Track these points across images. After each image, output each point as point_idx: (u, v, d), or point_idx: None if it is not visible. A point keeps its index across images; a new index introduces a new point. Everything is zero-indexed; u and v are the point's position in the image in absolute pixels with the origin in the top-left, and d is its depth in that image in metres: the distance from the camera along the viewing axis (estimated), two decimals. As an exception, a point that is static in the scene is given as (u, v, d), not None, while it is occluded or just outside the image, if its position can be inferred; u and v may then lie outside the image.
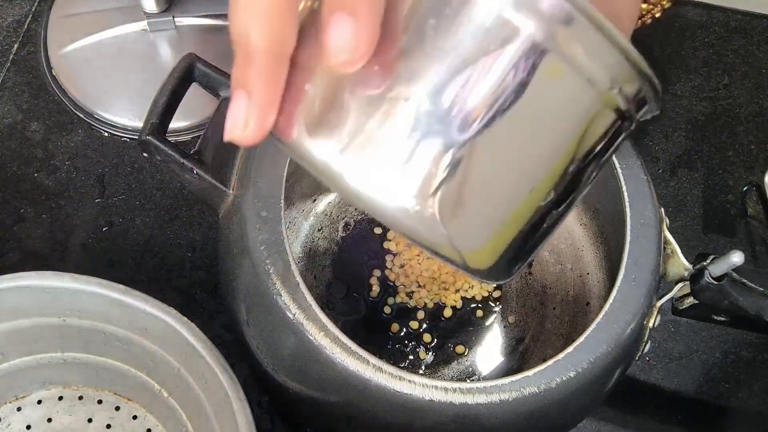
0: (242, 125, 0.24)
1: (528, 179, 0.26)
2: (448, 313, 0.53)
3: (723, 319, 0.45)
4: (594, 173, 0.28)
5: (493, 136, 0.24)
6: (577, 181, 0.27)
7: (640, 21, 0.66)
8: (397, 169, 0.25)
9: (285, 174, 0.42)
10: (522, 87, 0.24)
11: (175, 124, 0.45)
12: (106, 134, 0.61)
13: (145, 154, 0.44)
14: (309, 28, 0.25)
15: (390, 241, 0.54)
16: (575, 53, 0.24)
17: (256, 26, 0.23)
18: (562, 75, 0.24)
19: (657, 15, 0.67)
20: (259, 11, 0.23)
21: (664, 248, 0.44)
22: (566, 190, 0.27)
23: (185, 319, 0.43)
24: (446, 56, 0.24)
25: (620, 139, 0.27)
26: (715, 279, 0.42)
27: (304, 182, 0.54)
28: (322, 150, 0.25)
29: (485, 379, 0.51)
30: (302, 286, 0.40)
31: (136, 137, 0.60)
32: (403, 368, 0.39)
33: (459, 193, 0.25)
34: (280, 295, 0.39)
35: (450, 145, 0.24)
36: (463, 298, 0.53)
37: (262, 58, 0.24)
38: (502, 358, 0.52)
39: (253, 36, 0.23)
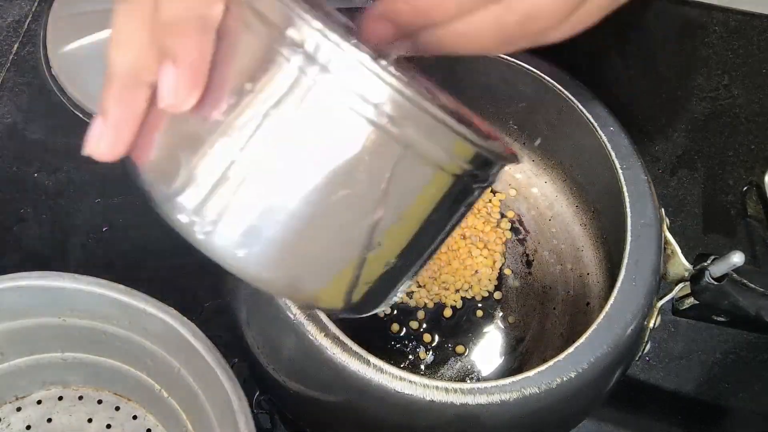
0: (95, 143, 0.26)
1: (363, 235, 0.26)
2: (448, 313, 0.53)
3: (723, 319, 0.45)
4: (444, 232, 0.28)
5: (316, 201, 0.25)
6: (426, 241, 0.27)
7: None
8: (205, 213, 0.25)
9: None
10: (346, 158, 0.24)
11: (175, 124, 0.45)
12: (106, 134, 0.60)
13: (145, 154, 0.43)
14: None
15: (390, 241, 0.54)
16: (408, 135, 0.24)
17: (115, 53, 0.26)
18: (394, 152, 0.24)
19: None
20: (120, 39, 0.26)
21: (665, 248, 0.44)
22: (415, 248, 0.27)
23: (185, 319, 0.43)
24: (263, 123, 0.24)
25: (469, 197, 0.28)
26: (715, 279, 0.42)
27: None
28: (155, 187, 0.26)
29: (485, 379, 0.51)
30: (302, 286, 0.40)
31: (136, 137, 0.60)
32: (403, 368, 0.39)
33: (286, 246, 0.25)
34: (281, 295, 0.39)
35: (271, 209, 0.25)
36: (463, 298, 0.53)
37: (116, 82, 0.26)
38: (502, 359, 0.52)
39: (111, 61, 0.26)
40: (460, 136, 0.25)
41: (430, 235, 0.28)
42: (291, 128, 0.24)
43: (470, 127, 0.25)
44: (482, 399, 0.38)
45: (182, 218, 0.25)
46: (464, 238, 0.54)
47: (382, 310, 0.29)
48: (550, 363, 0.39)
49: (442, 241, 0.29)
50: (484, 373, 0.51)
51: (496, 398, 0.38)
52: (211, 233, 0.25)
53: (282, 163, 0.24)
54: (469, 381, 0.50)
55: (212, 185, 0.25)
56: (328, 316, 0.39)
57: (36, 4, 0.66)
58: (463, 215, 0.28)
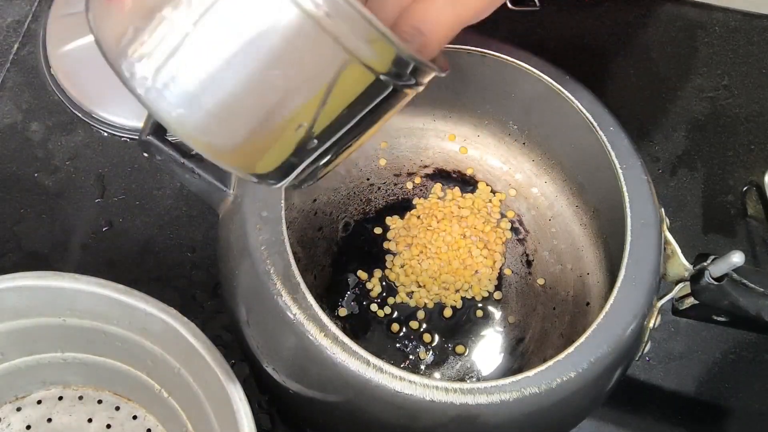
0: None
1: (282, 107, 0.30)
2: (448, 313, 0.53)
3: (723, 319, 0.45)
4: (358, 122, 0.32)
5: (254, 75, 0.29)
6: (338, 124, 0.31)
7: None
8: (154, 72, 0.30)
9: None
10: (272, 38, 0.28)
11: (175, 124, 0.44)
12: (106, 134, 0.60)
13: (145, 154, 0.44)
14: None
15: (390, 241, 0.54)
16: (339, 30, 0.28)
17: None
18: (324, 43, 0.28)
19: None
20: None
21: (665, 248, 0.44)
22: (326, 130, 0.31)
23: (185, 319, 0.43)
24: (216, 4, 0.28)
25: (384, 93, 0.31)
26: (715, 279, 0.42)
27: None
28: (114, 45, 0.31)
29: (485, 379, 0.51)
30: (302, 286, 0.40)
31: (136, 137, 0.60)
32: (403, 368, 0.39)
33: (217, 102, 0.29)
34: (280, 295, 0.39)
35: (215, 77, 0.29)
36: (463, 299, 0.53)
37: None
38: (502, 359, 0.52)
39: None
40: (384, 36, 0.29)
41: (348, 122, 0.31)
42: (239, 11, 0.28)
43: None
44: (482, 399, 0.38)
45: (137, 79, 0.30)
46: (464, 237, 0.54)
47: (299, 183, 0.34)
48: (550, 363, 0.39)
49: (362, 131, 0.33)
50: (484, 373, 0.51)
51: (496, 398, 0.38)
52: (160, 92, 0.30)
53: (228, 40, 0.28)
54: (469, 381, 0.50)
55: (166, 52, 0.29)
56: (328, 315, 0.39)
57: (36, 4, 0.66)
58: (385, 111, 0.32)
